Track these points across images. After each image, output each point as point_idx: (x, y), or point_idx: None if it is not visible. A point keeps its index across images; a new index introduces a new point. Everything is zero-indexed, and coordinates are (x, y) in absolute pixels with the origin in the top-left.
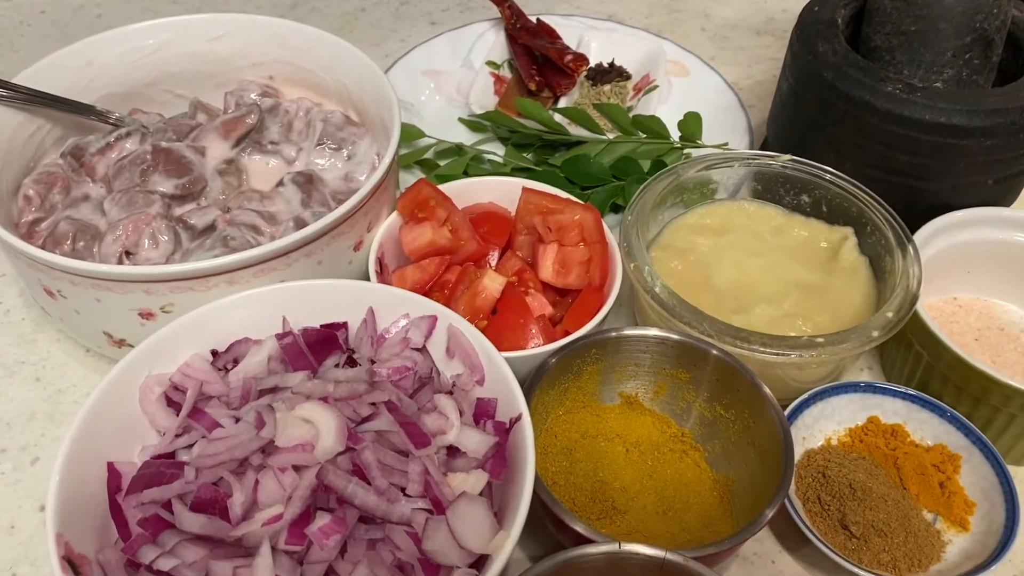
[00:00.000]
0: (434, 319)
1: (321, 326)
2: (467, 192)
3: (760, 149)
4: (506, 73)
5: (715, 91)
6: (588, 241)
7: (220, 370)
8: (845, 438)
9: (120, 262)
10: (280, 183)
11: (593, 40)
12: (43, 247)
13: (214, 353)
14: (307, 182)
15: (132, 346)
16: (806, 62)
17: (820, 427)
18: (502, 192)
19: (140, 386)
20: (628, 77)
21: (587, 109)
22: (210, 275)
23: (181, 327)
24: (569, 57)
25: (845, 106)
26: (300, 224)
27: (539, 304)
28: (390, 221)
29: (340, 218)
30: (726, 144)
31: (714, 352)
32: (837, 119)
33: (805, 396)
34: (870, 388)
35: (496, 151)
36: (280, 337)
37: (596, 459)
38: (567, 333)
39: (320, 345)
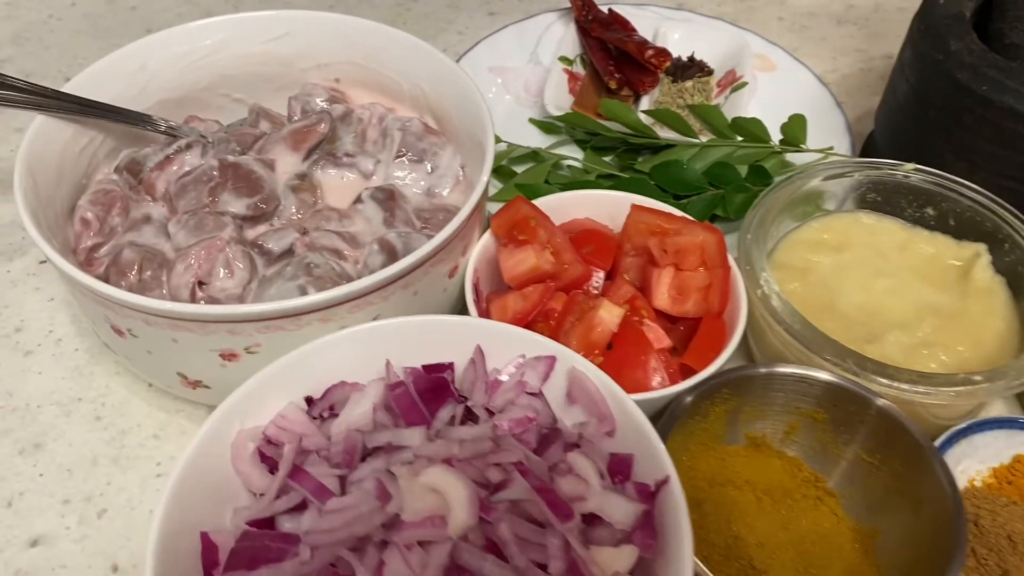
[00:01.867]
0: (552, 360)
1: (424, 367)
2: (562, 207)
3: (862, 152)
4: (579, 70)
5: (805, 88)
6: (709, 265)
7: (316, 419)
8: (990, 479)
9: (193, 293)
10: (358, 200)
11: (672, 32)
12: (106, 278)
13: (308, 400)
14: (388, 199)
15: (208, 387)
16: (934, 61)
17: (963, 468)
18: (599, 206)
19: (232, 442)
20: (710, 72)
21: (670, 108)
22: (303, 313)
23: (273, 373)
24: (650, 52)
25: (983, 111)
26: (386, 247)
27: (656, 336)
28: (483, 243)
29: (441, 244)
30: (831, 148)
31: (867, 395)
32: (972, 125)
33: (948, 435)
34: (1015, 424)
35: (571, 155)
36: (392, 388)
37: (727, 511)
38: (687, 368)
39: (431, 394)
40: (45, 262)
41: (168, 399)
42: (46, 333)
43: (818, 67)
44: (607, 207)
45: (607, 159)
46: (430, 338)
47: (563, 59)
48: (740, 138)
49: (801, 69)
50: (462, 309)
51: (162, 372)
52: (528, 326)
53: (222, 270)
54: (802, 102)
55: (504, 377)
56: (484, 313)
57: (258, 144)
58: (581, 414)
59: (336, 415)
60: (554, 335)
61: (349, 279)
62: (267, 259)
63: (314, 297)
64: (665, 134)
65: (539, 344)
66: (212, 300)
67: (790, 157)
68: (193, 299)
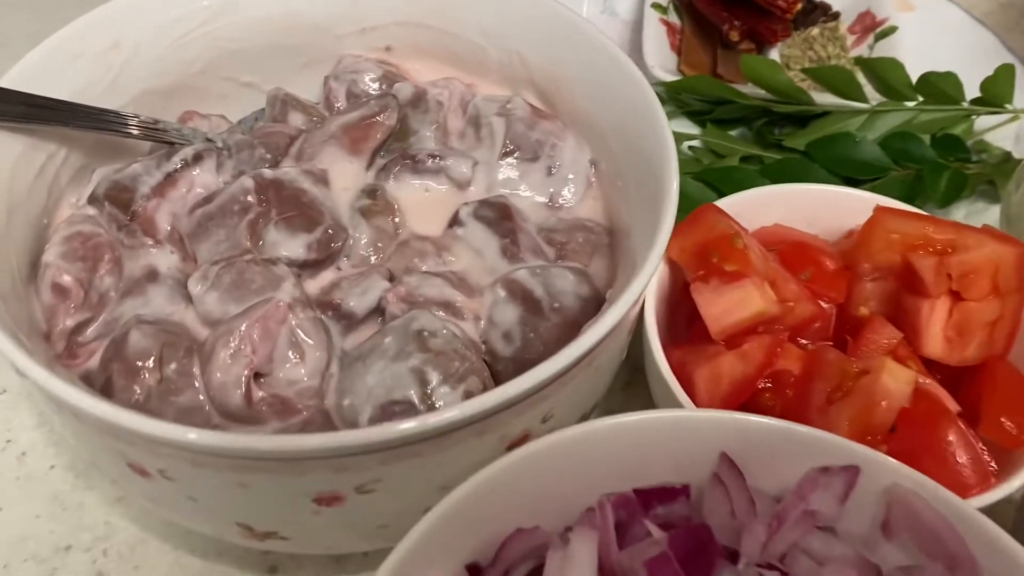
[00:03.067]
0: (852, 474)
1: (637, 492)
2: (748, 210)
3: None
4: (674, 19)
5: (957, 31)
6: (1002, 291)
7: None
8: None
9: (248, 394)
10: (456, 221)
11: None
12: (105, 380)
13: (473, 570)
14: (502, 217)
15: (286, 538)
16: None
17: None
18: (792, 207)
19: None
20: (836, 16)
21: (802, 63)
22: (455, 429)
23: (427, 534)
24: None
25: None
26: (519, 293)
27: (943, 401)
28: (659, 277)
29: (637, 298)
30: None
31: None
32: None
33: None
34: None
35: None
36: (609, 538)
37: None
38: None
39: (689, 556)
40: None
41: (199, 540)
42: (1, 445)
43: (965, 2)
44: (800, 206)
45: (732, 133)
46: (635, 447)
47: (656, 6)
48: (920, 99)
49: (948, 6)
50: (632, 375)
51: (213, 521)
52: (752, 401)
53: (289, 352)
54: (954, 49)
55: (775, 505)
56: (686, 387)
57: (295, 148)
58: (904, 554)
59: None
60: (798, 414)
61: (477, 348)
62: (346, 325)
63: (480, 403)
64: (821, 99)
65: (823, 445)
66: (277, 401)
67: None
68: (249, 402)
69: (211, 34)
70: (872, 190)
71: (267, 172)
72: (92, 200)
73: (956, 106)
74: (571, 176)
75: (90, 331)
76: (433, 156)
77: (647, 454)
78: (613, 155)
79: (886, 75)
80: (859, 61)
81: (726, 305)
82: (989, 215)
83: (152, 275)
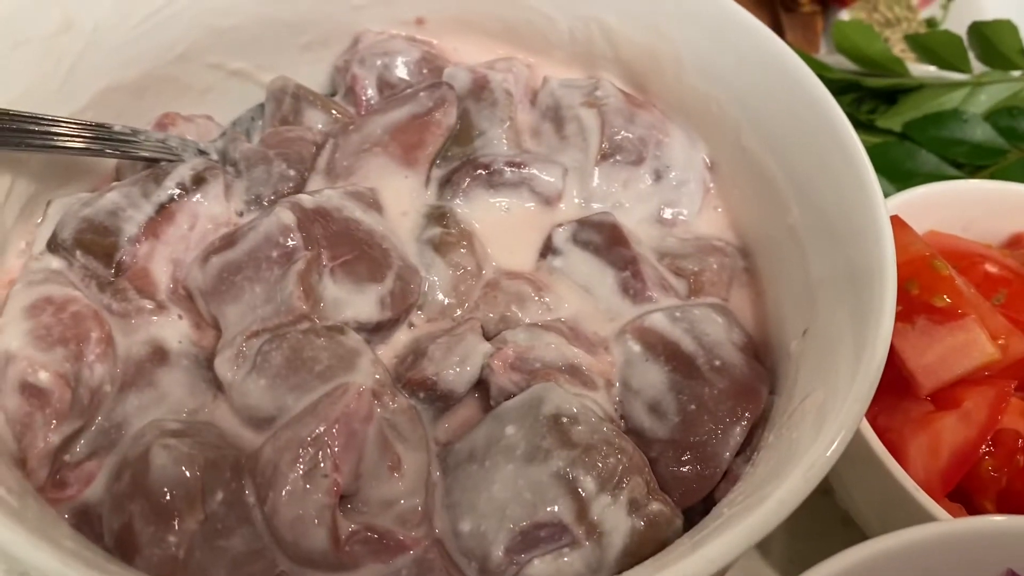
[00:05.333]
0: None
1: None
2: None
3: None
4: None
5: None
6: None
7: None
8: None
9: (335, 531)
10: (550, 249)
11: None
12: (127, 529)
13: None
14: (612, 242)
15: None
16: None
17: None
18: (944, 209)
19: None
20: None
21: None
22: None
23: None
24: None
25: None
26: (659, 346)
27: None
28: None
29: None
30: None
31: None
32: None
33: None
34: None
35: None
36: None
37: None
38: None
39: None
40: None
41: None
42: None
43: None
44: (959, 209)
45: None
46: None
47: None
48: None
49: None
50: None
51: None
52: (970, 473)
53: (381, 461)
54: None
55: None
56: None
57: (322, 159)
58: None
59: None
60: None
61: (613, 423)
62: (440, 408)
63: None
64: (915, 69)
65: None
66: (374, 535)
67: None
68: (336, 543)
69: (195, 6)
70: (990, 177)
71: (305, 199)
72: (56, 247)
73: None
74: (684, 181)
75: (81, 445)
76: (513, 164)
77: None
78: (744, 152)
79: (999, 40)
80: (974, 27)
81: (942, 352)
82: None
83: (160, 355)
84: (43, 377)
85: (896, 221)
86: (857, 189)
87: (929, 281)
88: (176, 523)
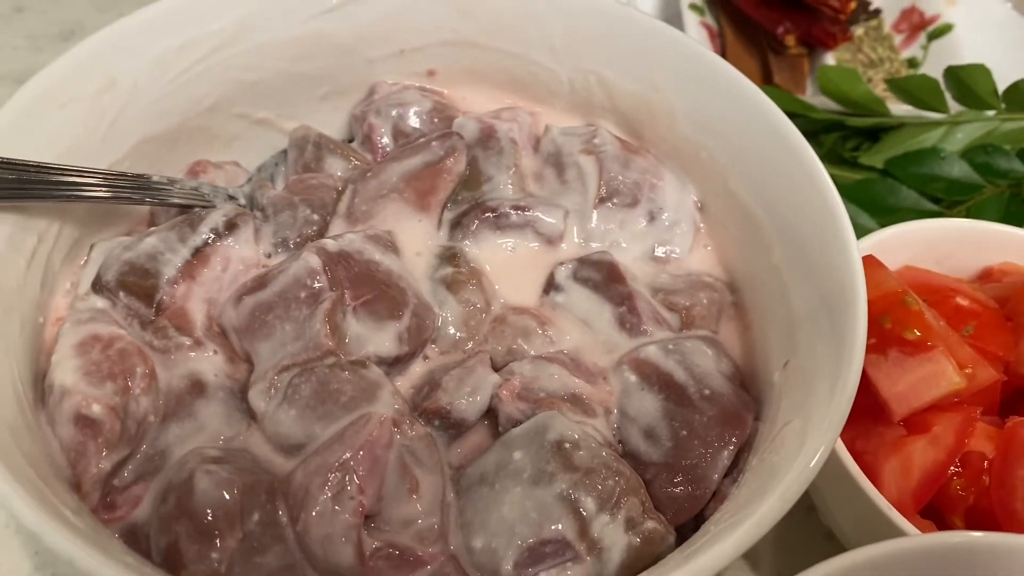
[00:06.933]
0: None
1: None
2: (876, 254)
3: None
4: (711, 21)
5: (1004, 26)
6: None
7: None
8: None
9: (360, 547)
10: (553, 286)
11: None
12: (173, 548)
13: None
14: (609, 279)
15: None
16: None
17: None
18: (920, 245)
19: None
20: (877, 13)
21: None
22: None
23: None
24: None
25: None
26: (654, 376)
27: None
28: None
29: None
30: None
31: None
32: None
33: None
34: None
35: None
36: None
37: None
38: None
39: None
40: None
41: None
42: None
43: None
44: (933, 245)
45: None
46: None
47: (694, 7)
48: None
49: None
50: None
51: None
52: (940, 492)
53: (401, 484)
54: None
55: None
56: (871, 474)
57: (342, 204)
58: None
59: None
60: (1001, 505)
61: (611, 447)
62: (452, 435)
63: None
64: (896, 109)
65: None
66: (395, 551)
67: None
68: (362, 558)
69: (223, 64)
70: (967, 212)
71: (329, 243)
72: (100, 288)
73: None
74: (677, 222)
75: (128, 470)
76: (518, 208)
77: None
78: (731, 196)
79: (973, 83)
80: (953, 71)
81: (913, 381)
82: None
83: (198, 387)
84: (96, 410)
85: (870, 260)
86: (832, 233)
87: (901, 316)
88: (218, 541)
